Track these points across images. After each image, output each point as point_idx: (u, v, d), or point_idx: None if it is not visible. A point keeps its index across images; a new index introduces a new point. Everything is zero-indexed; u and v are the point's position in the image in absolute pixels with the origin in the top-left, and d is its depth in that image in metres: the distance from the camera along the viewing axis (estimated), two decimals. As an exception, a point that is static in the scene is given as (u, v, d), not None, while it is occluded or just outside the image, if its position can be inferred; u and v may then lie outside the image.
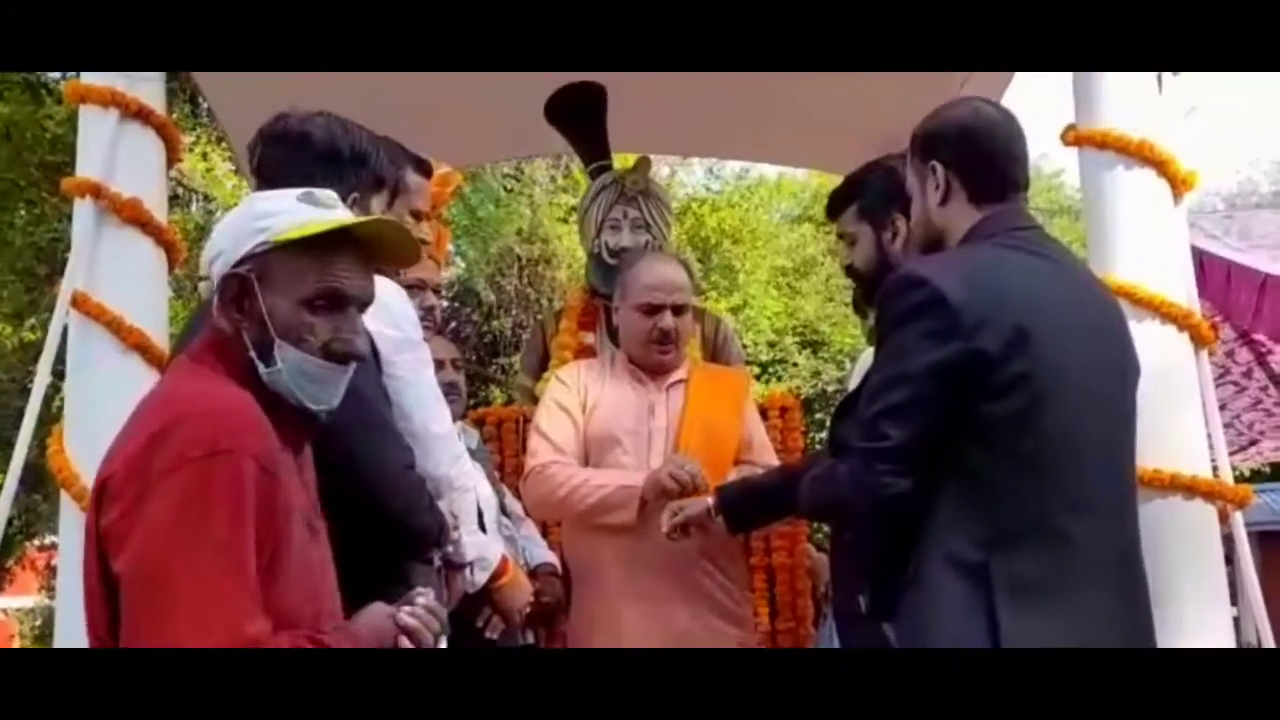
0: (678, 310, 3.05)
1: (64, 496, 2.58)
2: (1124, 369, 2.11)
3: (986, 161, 2.13)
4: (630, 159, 4.35)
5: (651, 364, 3.08)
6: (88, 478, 2.38)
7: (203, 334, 1.69)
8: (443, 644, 2.43)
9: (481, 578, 2.66)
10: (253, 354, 1.60)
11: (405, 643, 1.62)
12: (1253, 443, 7.70)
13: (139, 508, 1.43)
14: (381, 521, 1.93)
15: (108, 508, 1.47)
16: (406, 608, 1.65)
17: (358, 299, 1.67)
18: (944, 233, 2.17)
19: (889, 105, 3.95)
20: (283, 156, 2.13)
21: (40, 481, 9.36)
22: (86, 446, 2.47)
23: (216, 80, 3.87)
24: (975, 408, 1.92)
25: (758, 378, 11.96)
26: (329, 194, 1.70)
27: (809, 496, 2.63)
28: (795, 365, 13.13)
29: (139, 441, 1.48)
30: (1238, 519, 2.69)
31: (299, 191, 1.69)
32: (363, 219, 1.72)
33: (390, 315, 2.19)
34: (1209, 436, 2.71)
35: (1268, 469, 17.34)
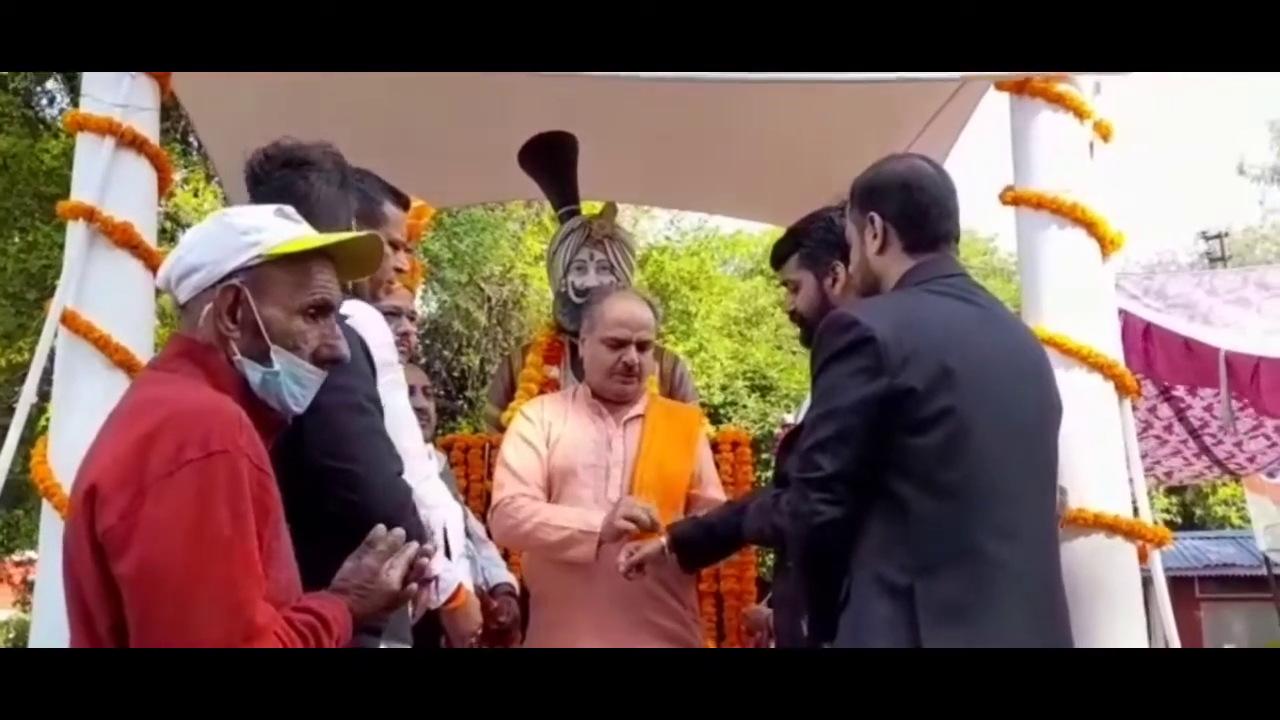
0: (642, 346, 3.05)
1: (45, 506, 2.50)
2: (1046, 407, 2.13)
3: (922, 214, 2.16)
4: (598, 206, 4.36)
5: (613, 394, 3.06)
6: (70, 488, 2.32)
7: (170, 345, 1.66)
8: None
9: (439, 599, 2.62)
10: (241, 359, 1.60)
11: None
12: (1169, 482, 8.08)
13: (139, 510, 1.40)
14: (369, 521, 1.92)
15: (101, 512, 1.43)
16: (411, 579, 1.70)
17: (336, 307, 1.69)
18: (880, 278, 2.20)
19: (836, 160, 3.99)
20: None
21: (21, 497, 9.20)
22: (70, 458, 2.35)
23: (207, 117, 3.85)
24: (902, 440, 1.94)
25: (710, 419, 11.98)
26: (292, 209, 1.72)
27: (753, 524, 2.63)
28: (745, 408, 13.18)
29: (125, 445, 1.45)
30: (1156, 558, 2.69)
31: (272, 208, 1.70)
32: (353, 234, 1.75)
33: (369, 338, 2.18)
34: (1130, 480, 2.73)
35: (1179, 519, 17.57)
